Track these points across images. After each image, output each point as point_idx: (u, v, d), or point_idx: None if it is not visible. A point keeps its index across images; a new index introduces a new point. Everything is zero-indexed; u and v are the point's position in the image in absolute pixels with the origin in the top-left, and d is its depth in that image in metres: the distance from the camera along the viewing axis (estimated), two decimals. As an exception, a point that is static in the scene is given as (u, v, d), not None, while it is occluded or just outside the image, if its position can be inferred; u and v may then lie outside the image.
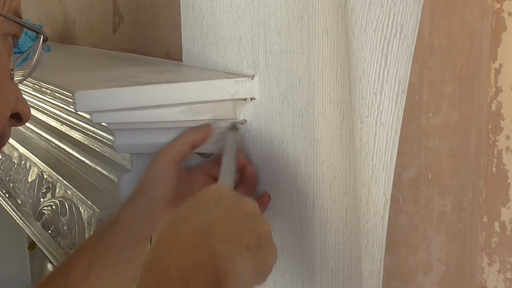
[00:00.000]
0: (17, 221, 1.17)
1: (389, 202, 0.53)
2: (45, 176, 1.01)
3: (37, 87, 0.83)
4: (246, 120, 0.74)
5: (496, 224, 0.70)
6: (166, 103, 0.69)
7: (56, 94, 0.75)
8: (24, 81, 0.86)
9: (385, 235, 0.53)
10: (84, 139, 0.97)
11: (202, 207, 0.57)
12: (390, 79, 0.51)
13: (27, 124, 1.19)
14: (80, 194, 0.86)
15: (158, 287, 0.51)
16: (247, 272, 0.57)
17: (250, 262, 0.57)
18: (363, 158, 0.53)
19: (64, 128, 1.03)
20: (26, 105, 0.56)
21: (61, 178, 0.94)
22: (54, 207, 0.93)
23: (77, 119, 0.95)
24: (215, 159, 0.74)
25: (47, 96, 0.85)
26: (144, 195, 0.70)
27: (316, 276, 0.66)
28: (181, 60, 0.87)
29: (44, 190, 0.99)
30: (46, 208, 0.96)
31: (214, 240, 0.54)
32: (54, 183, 0.97)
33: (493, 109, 0.69)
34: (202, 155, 0.76)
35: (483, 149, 0.70)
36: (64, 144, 1.03)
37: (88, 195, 0.86)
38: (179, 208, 0.59)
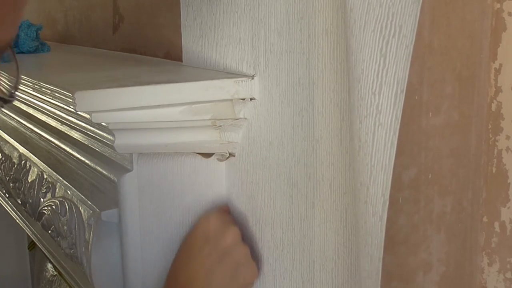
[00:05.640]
0: (17, 221, 1.16)
1: (387, 203, 0.53)
2: (45, 176, 1.01)
3: (37, 87, 0.83)
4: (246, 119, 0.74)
5: (496, 224, 0.70)
6: (166, 103, 0.69)
7: (56, 94, 0.75)
8: (25, 81, 0.86)
9: (383, 235, 0.53)
10: (84, 139, 0.97)
11: (191, 258, 0.72)
12: (389, 79, 0.51)
13: (27, 124, 1.19)
14: (80, 194, 0.86)
15: None
16: None
17: None
18: (361, 158, 0.53)
19: (64, 128, 1.03)
20: None
21: (61, 178, 0.94)
22: (54, 207, 0.93)
23: (77, 119, 0.95)
24: None
25: (47, 96, 0.85)
26: None
27: (316, 276, 0.66)
28: (181, 60, 0.87)
29: (44, 190, 0.99)
30: (46, 208, 0.96)
31: None
32: (54, 183, 0.97)
33: (493, 109, 0.69)
34: (203, 154, 0.76)
35: (483, 149, 0.70)
36: (64, 144, 1.03)
37: (88, 195, 0.86)
38: (177, 258, 0.74)
